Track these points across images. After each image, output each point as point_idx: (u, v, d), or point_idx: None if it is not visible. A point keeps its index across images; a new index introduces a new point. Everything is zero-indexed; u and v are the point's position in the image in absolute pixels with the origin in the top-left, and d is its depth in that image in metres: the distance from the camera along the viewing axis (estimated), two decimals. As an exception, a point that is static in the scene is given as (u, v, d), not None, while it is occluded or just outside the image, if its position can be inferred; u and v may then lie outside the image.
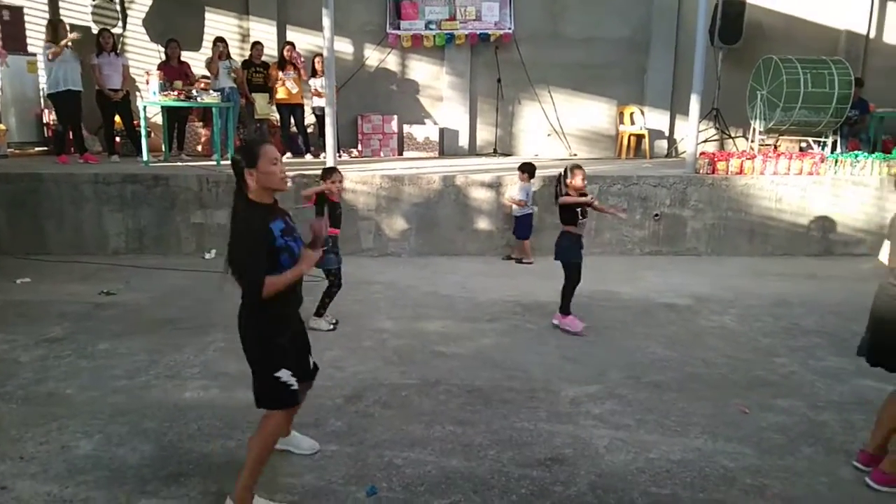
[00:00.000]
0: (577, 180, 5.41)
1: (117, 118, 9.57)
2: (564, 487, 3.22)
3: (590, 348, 5.15)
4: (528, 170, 7.95)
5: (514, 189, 7.98)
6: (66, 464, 3.35)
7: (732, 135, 11.46)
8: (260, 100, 10.20)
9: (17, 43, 10.08)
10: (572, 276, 5.48)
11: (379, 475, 3.29)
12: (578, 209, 5.41)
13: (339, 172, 5.54)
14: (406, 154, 11.13)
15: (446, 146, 11.42)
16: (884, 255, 3.28)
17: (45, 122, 10.42)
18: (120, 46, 10.13)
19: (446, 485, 3.22)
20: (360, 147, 11.02)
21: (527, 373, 4.62)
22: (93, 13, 10.36)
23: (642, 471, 3.38)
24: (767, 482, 3.30)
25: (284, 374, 2.94)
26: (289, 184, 2.96)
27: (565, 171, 5.49)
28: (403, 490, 3.17)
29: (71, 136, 9.31)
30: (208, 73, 9.81)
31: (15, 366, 4.61)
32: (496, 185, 8.16)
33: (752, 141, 10.42)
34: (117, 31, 10.30)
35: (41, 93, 9.97)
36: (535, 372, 4.64)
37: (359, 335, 5.33)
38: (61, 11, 10.80)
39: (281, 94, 10.07)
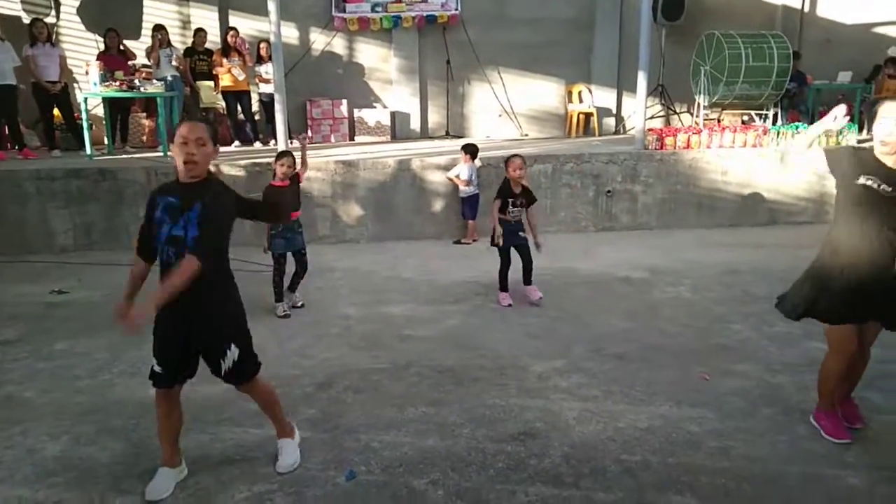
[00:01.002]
0: (511, 170, 5.65)
1: (56, 111, 9.24)
2: (539, 460, 3.30)
3: (553, 324, 5.25)
4: (470, 150, 8.01)
5: (457, 169, 8.02)
6: (34, 467, 3.27)
7: (677, 110, 11.72)
8: (205, 88, 9.98)
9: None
10: (503, 260, 5.75)
11: (357, 459, 3.32)
12: (510, 200, 5.65)
13: (290, 156, 5.52)
14: (358, 139, 11.05)
15: (398, 130, 11.37)
16: None
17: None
18: (55, 36, 9.74)
19: (424, 464, 3.26)
20: (310, 133, 10.87)
21: (494, 351, 4.69)
22: (23, 2, 9.93)
23: (612, 439, 3.49)
24: (731, 444, 3.44)
25: (154, 359, 3.04)
26: (192, 169, 2.87)
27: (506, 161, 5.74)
28: (382, 472, 3.20)
29: (6, 132, 8.95)
30: (149, 63, 9.56)
31: (-32, 371, 4.46)
32: (451, 168, 8.17)
33: (697, 116, 10.68)
34: (50, 20, 9.91)
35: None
36: (502, 350, 4.72)
37: (324, 322, 5.32)
38: (-11, 0, 10.33)
39: (226, 81, 9.87)
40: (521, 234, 5.73)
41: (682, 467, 3.23)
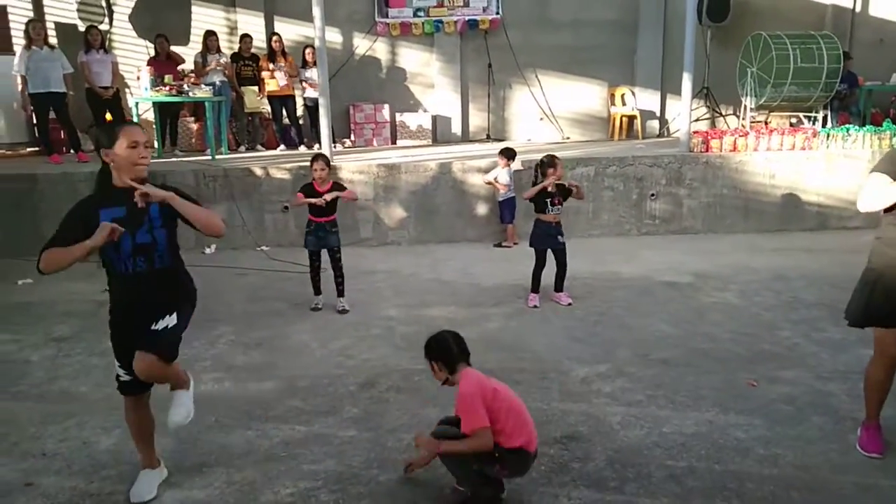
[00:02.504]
0: (550, 173, 5.64)
1: (108, 116, 9.51)
2: (583, 463, 3.28)
3: (596, 328, 5.22)
4: (508, 154, 7.99)
5: (494, 173, 8.00)
6: (88, 459, 3.38)
7: (723, 113, 11.53)
8: (250, 93, 10.14)
9: (2, 42, 10.00)
10: (538, 261, 5.78)
11: (399, 458, 3.34)
12: (548, 199, 5.65)
13: (321, 159, 5.63)
14: (399, 142, 11.14)
15: (439, 133, 11.42)
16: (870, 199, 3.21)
17: (34, 121, 10.33)
18: (108, 43, 10.05)
19: (467, 465, 3.27)
20: (352, 137, 11.01)
21: (535, 354, 4.68)
22: (78, 10, 10.27)
23: (657, 445, 3.45)
24: (780, 451, 3.37)
25: (117, 365, 2.98)
26: (144, 170, 2.83)
27: (542, 163, 5.72)
28: (425, 471, 3.21)
29: (62, 136, 9.25)
30: (196, 69, 9.79)
31: (26, 365, 4.63)
32: (490, 171, 8.18)
33: (744, 118, 10.48)
34: (104, 27, 10.20)
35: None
36: (544, 353, 4.70)
37: (366, 323, 5.37)
38: (46, 10, 10.68)
39: (272, 86, 10.03)
40: (560, 237, 5.73)
41: (728, 474, 3.18)
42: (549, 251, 5.78)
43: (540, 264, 5.78)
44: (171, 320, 2.86)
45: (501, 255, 7.66)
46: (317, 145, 9.78)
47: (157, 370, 2.83)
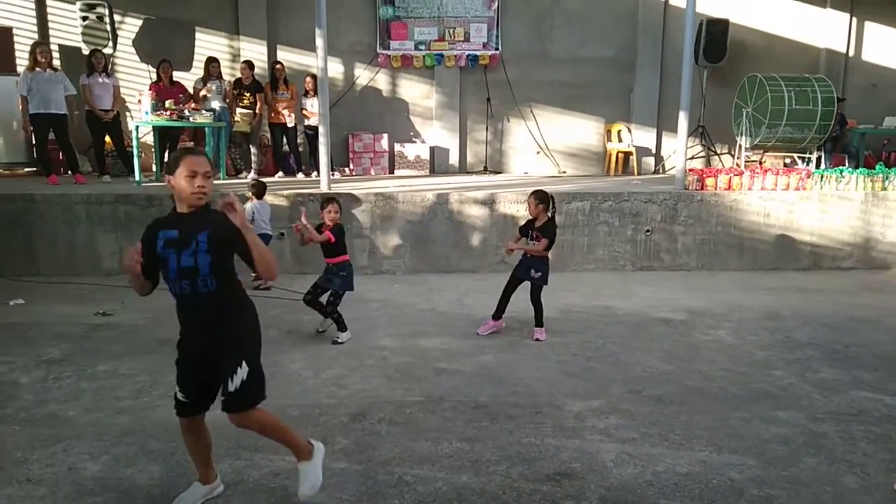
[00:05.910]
0: (531, 209, 5.73)
1: (108, 138, 9.56)
2: (575, 501, 3.24)
3: (590, 363, 5.20)
4: (254, 189, 7.41)
5: (248, 210, 7.18)
6: (74, 486, 3.32)
7: (718, 151, 11.65)
8: (240, 116, 10.12)
9: (5, 63, 10.08)
10: (508, 284, 5.88)
11: (390, 492, 3.30)
12: (530, 232, 5.78)
13: (335, 202, 5.59)
14: (397, 172, 11.20)
15: (437, 164, 11.51)
16: None
17: (33, 142, 10.37)
18: (110, 67, 10.13)
19: (458, 501, 3.23)
20: (351, 165, 11.08)
21: (529, 388, 4.66)
22: (83, 34, 10.35)
23: (651, 484, 3.42)
24: (774, 493, 3.34)
25: (177, 388, 3.07)
26: (202, 200, 2.87)
27: (550, 197, 5.76)
28: (416, 506, 3.18)
29: (60, 157, 9.28)
30: (194, 94, 9.85)
31: (14, 388, 4.58)
32: (489, 202, 8.23)
33: (738, 157, 10.60)
34: (108, 51, 10.30)
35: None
36: (538, 387, 4.68)
37: (359, 353, 5.34)
38: (51, 32, 10.80)
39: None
40: (533, 270, 5.74)
41: (722, 515, 3.15)
42: (523, 283, 5.81)
43: (509, 287, 5.82)
44: (242, 373, 2.89)
45: (496, 287, 7.50)
46: (314, 173, 9.83)
47: (252, 421, 2.98)
